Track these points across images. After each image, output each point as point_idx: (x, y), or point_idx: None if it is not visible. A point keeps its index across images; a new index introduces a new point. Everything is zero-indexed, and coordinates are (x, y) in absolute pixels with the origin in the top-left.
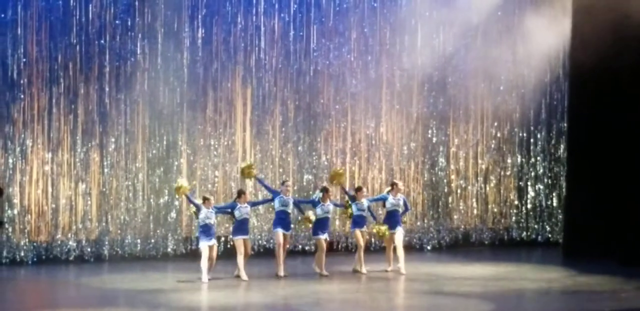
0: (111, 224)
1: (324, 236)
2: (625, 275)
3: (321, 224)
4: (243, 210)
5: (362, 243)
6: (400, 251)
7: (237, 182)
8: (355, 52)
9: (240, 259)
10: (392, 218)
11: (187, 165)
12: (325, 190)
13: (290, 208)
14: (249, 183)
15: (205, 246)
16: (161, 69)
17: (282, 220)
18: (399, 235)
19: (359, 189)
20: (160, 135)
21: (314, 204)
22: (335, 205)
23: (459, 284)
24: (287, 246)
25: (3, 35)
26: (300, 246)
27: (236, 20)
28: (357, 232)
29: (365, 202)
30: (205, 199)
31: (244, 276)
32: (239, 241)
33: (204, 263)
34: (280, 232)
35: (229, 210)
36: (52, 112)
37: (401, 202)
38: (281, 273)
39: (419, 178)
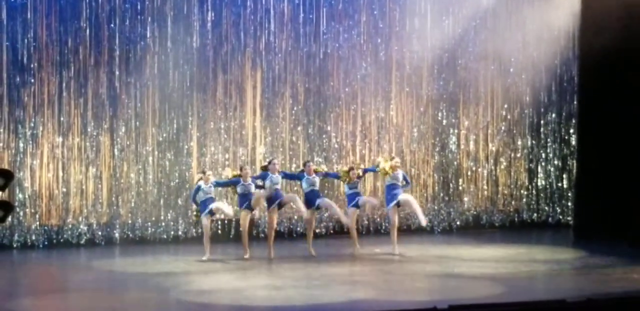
0: (122, 208)
1: (310, 210)
2: (635, 257)
3: (308, 199)
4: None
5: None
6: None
7: (247, 164)
8: (365, 34)
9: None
10: (391, 192)
11: (197, 148)
12: (305, 165)
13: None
14: (259, 164)
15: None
16: (171, 52)
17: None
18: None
19: (351, 169)
20: (171, 118)
21: (300, 178)
22: (325, 175)
23: (469, 266)
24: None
25: (13, 19)
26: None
27: (246, 3)
28: (352, 210)
29: (357, 181)
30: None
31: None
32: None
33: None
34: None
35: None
36: (62, 96)
37: (400, 176)
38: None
39: (429, 161)
